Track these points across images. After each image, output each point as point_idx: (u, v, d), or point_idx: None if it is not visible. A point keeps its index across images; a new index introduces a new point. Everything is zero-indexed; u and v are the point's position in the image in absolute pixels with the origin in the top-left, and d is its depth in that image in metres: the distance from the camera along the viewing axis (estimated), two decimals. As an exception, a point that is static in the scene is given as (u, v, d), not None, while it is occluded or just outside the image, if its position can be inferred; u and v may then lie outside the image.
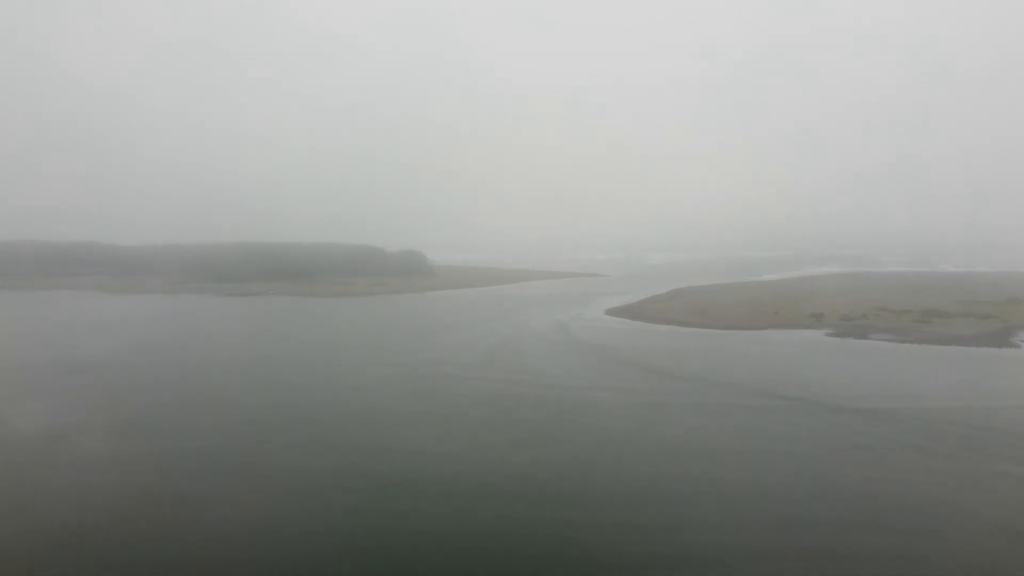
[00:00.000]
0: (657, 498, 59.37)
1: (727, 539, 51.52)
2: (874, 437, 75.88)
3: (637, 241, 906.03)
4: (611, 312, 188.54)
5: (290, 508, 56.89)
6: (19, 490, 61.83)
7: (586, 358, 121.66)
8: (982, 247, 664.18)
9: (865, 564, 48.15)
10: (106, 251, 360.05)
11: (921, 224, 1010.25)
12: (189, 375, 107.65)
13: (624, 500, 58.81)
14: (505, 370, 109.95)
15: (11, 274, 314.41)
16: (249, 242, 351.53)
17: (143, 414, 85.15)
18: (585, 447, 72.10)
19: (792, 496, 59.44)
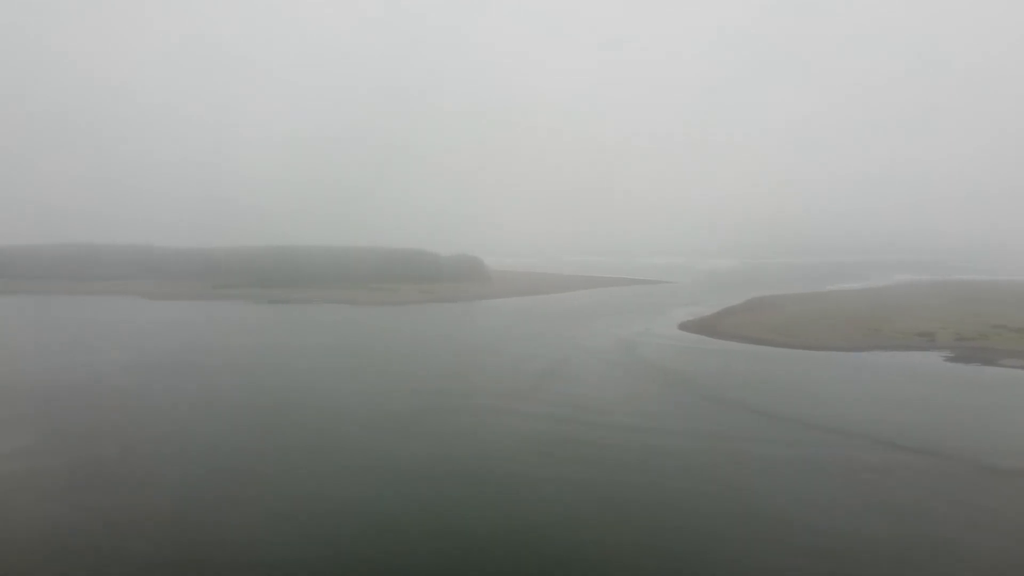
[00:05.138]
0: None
1: None
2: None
3: (694, 245, 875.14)
4: (684, 327, 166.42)
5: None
6: None
7: (657, 388, 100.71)
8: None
9: None
10: (148, 254, 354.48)
11: (980, 225, 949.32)
12: (188, 402, 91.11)
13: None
14: (557, 403, 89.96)
15: (52, 277, 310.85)
16: (293, 246, 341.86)
17: (113, 456, 68.21)
18: (661, 525, 51.67)
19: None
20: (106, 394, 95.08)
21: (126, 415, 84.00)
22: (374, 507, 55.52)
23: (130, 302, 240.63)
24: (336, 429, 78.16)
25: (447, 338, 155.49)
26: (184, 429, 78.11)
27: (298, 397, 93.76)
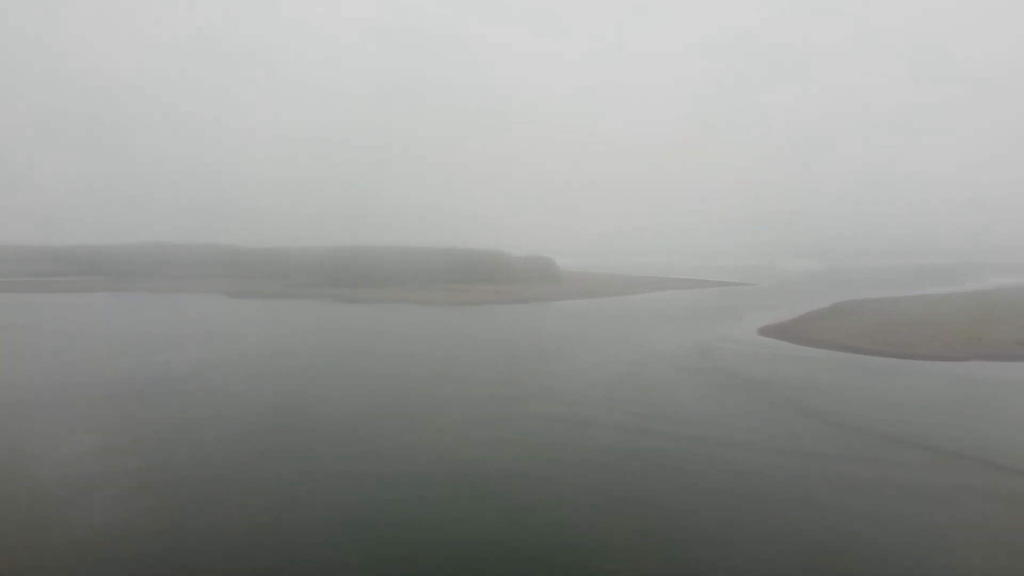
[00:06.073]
0: None
1: None
2: None
3: (774, 246, 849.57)
4: (765, 332, 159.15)
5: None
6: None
7: (739, 397, 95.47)
8: None
9: None
10: (227, 253, 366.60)
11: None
12: (238, 412, 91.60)
13: None
14: (631, 413, 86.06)
15: (140, 275, 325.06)
16: (365, 246, 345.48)
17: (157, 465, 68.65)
18: (750, 551, 47.65)
19: None
20: (204, 392, 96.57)
21: (221, 414, 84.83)
22: (403, 525, 53.11)
23: (215, 300, 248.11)
24: (397, 440, 76.12)
25: (518, 341, 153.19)
26: (248, 428, 78.22)
27: (365, 405, 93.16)
